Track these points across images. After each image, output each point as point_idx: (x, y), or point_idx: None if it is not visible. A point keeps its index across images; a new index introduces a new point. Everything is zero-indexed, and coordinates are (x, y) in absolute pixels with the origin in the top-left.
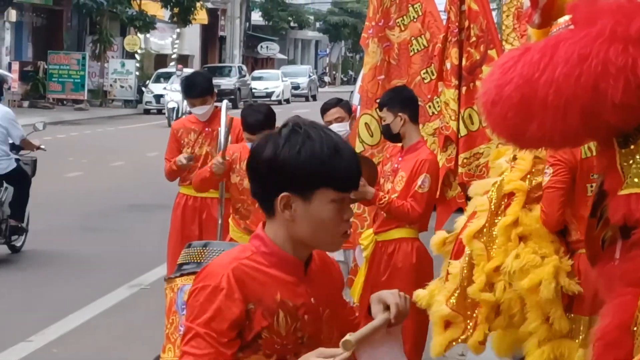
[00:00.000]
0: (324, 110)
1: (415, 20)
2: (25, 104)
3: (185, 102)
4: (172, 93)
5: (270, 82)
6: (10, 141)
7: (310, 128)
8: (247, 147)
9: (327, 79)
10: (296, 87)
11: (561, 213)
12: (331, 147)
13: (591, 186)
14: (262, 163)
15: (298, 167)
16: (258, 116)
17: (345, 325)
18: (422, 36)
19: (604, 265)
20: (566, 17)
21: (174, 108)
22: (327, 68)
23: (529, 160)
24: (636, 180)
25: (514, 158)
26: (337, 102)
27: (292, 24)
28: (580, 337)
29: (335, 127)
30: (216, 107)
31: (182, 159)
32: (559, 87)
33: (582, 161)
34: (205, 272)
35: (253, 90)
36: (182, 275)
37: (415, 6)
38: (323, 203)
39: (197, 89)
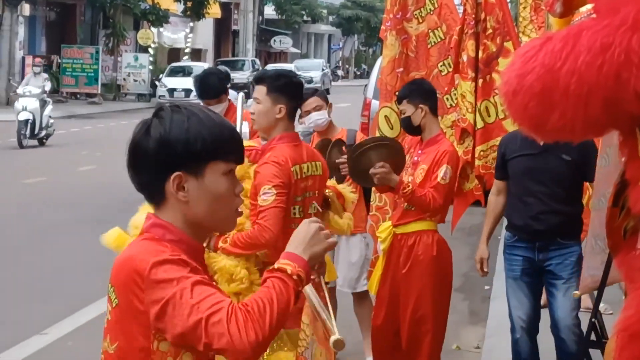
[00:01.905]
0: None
1: (431, 12)
2: None
3: (42, 114)
4: (26, 100)
5: None
6: None
7: (189, 107)
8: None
9: (340, 72)
10: (309, 81)
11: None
12: (214, 121)
13: (293, 208)
14: (148, 147)
15: (188, 144)
16: None
17: None
18: (439, 28)
19: (625, 256)
20: (588, 6)
21: (27, 121)
22: (340, 62)
23: None
24: None
25: None
26: (314, 92)
27: (305, 17)
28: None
29: (314, 116)
30: (229, 101)
31: None
32: (581, 76)
33: (296, 182)
34: (139, 258)
35: None
36: None
37: None
38: (215, 176)
39: (212, 90)
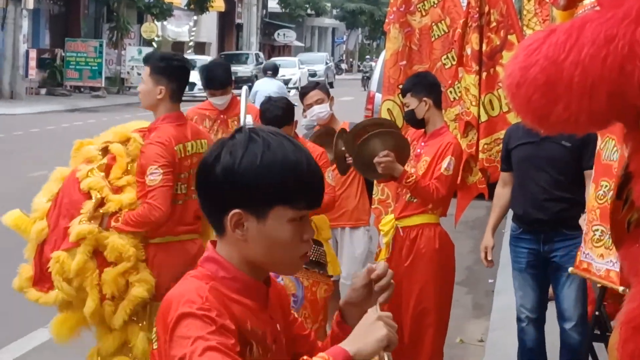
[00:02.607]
0: (303, 94)
1: (435, 5)
2: (43, 91)
3: None
4: None
5: (287, 70)
6: None
7: (270, 134)
8: None
9: (344, 66)
10: (313, 75)
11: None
12: (293, 158)
13: (177, 185)
14: (214, 174)
15: (255, 182)
16: (277, 112)
17: (301, 343)
18: (443, 21)
19: (629, 249)
20: None
21: None
22: (344, 55)
23: None
24: None
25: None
26: (315, 85)
27: (309, 11)
28: (144, 322)
29: (316, 109)
30: (233, 95)
31: None
32: (585, 68)
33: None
34: (177, 300)
35: None
36: None
37: None
38: (279, 223)
39: (218, 80)
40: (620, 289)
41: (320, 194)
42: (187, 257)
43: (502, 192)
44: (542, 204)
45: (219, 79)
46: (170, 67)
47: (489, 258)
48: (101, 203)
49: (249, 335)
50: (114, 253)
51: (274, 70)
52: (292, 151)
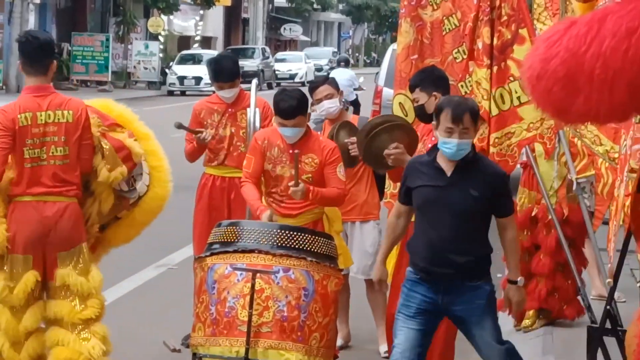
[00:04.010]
0: (313, 89)
1: None
2: None
3: None
4: None
5: (294, 64)
6: None
7: None
8: (277, 132)
9: (350, 61)
10: (319, 69)
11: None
12: None
13: (26, 149)
14: None
15: None
16: (292, 102)
17: None
18: (454, 15)
19: None
20: None
21: None
22: (350, 50)
23: None
24: None
25: None
26: (325, 80)
27: (315, 5)
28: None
29: (325, 104)
30: (241, 89)
31: (207, 135)
32: (606, 60)
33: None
34: None
35: (276, 72)
36: (212, 254)
37: None
38: None
39: (226, 73)
40: None
41: None
42: (41, 216)
43: (397, 224)
44: (445, 257)
45: (227, 71)
46: (19, 44)
47: (384, 290)
48: None
49: None
50: None
51: (346, 62)
52: None
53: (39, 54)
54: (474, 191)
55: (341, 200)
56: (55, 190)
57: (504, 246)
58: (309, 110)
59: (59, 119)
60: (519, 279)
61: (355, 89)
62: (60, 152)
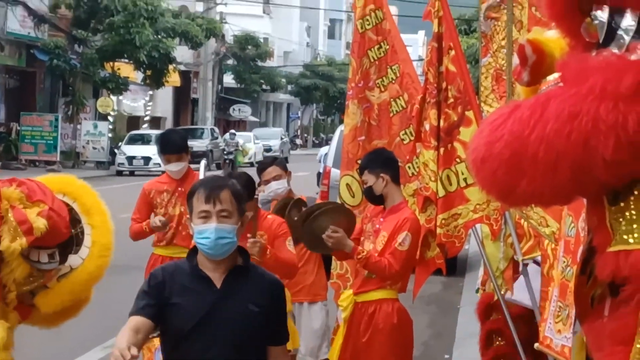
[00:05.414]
0: (261, 170)
1: (393, 81)
2: None
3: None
4: None
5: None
6: None
7: None
8: None
9: (298, 141)
10: (268, 150)
11: None
12: None
13: None
14: None
15: None
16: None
17: None
18: (401, 97)
19: (593, 323)
20: (555, 75)
21: None
22: (299, 130)
23: None
24: (625, 237)
25: None
26: (273, 161)
27: (264, 86)
28: None
29: (273, 185)
30: (189, 167)
31: (157, 221)
32: (550, 143)
33: None
34: None
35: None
36: (159, 335)
37: (393, 67)
38: None
39: (173, 145)
40: None
41: None
42: None
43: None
44: None
45: (175, 143)
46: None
47: None
48: None
49: None
50: None
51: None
52: None
53: None
54: (254, 306)
55: (294, 271)
56: None
57: None
58: (255, 194)
59: None
60: None
61: None
62: None
